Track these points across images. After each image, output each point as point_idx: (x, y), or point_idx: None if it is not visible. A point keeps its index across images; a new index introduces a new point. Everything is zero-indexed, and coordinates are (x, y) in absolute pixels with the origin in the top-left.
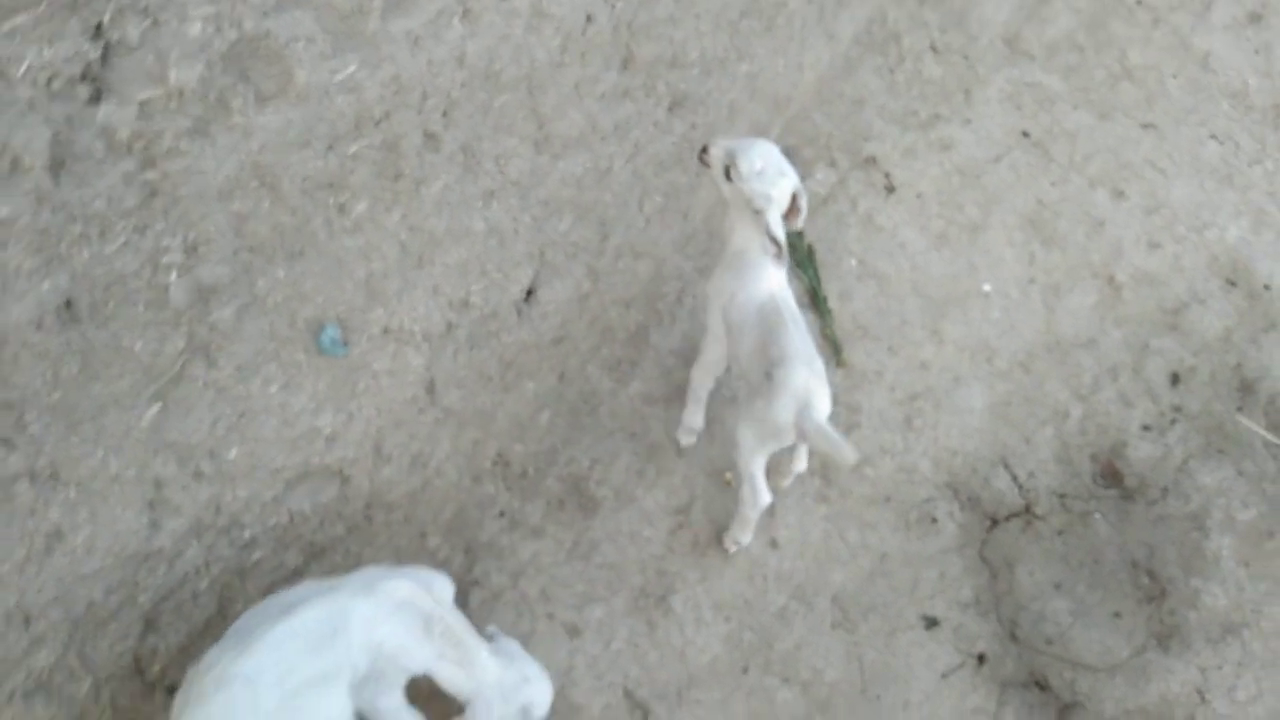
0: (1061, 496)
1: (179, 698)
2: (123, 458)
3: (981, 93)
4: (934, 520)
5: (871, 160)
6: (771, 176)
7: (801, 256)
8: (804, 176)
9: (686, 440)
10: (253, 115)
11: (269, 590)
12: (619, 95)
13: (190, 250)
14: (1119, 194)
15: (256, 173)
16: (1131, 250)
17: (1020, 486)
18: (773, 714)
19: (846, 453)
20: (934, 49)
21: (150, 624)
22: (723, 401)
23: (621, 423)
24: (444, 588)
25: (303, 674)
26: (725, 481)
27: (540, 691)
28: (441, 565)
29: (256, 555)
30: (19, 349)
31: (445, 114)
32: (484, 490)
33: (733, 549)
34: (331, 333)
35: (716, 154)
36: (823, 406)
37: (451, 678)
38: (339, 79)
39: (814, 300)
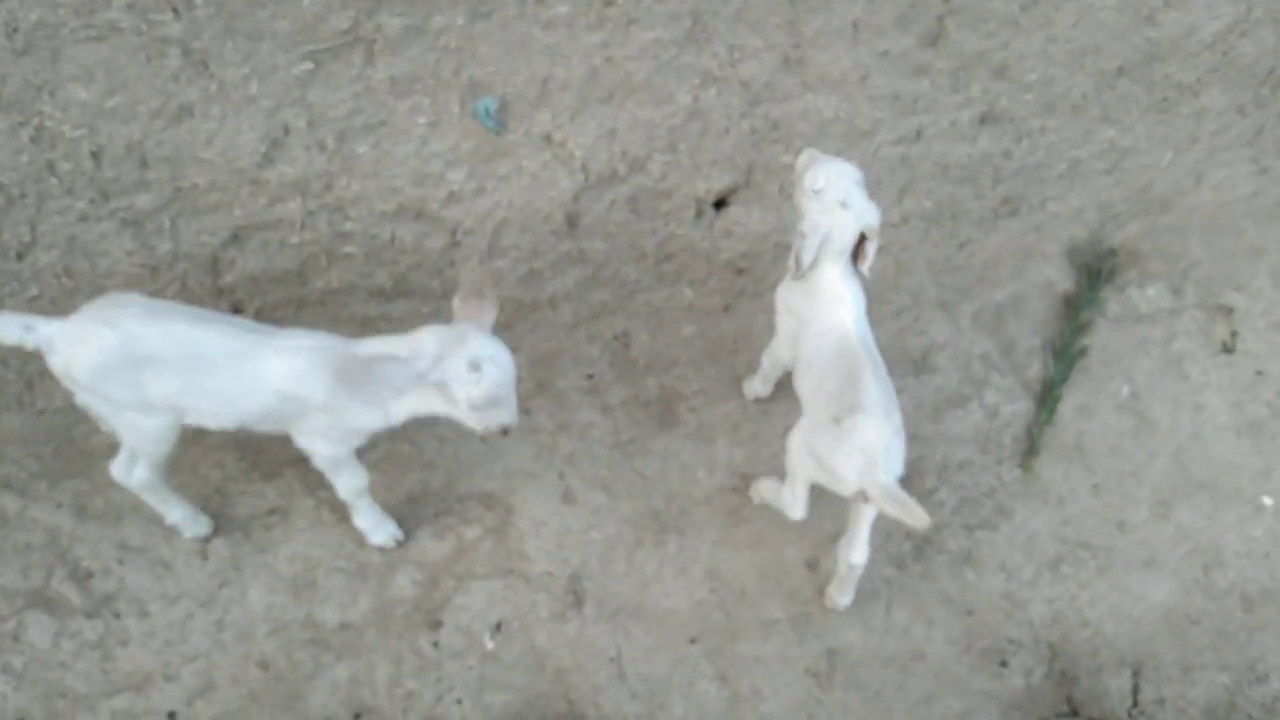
0: None
1: (88, 306)
2: (264, 87)
3: None
4: (1004, 664)
5: (1227, 311)
6: (828, 202)
7: (1065, 349)
8: (1129, 286)
9: (750, 392)
10: None
11: (352, 285)
12: (911, 68)
13: None
14: None
15: None
16: None
17: (1137, 703)
18: (688, 695)
19: (918, 515)
20: None
21: (236, 238)
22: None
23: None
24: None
25: (154, 364)
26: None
27: (482, 346)
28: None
29: (349, 249)
30: None
31: None
32: (589, 349)
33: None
34: (490, 104)
35: (802, 159)
36: (893, 466)
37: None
38: None
39: (1044, 394)
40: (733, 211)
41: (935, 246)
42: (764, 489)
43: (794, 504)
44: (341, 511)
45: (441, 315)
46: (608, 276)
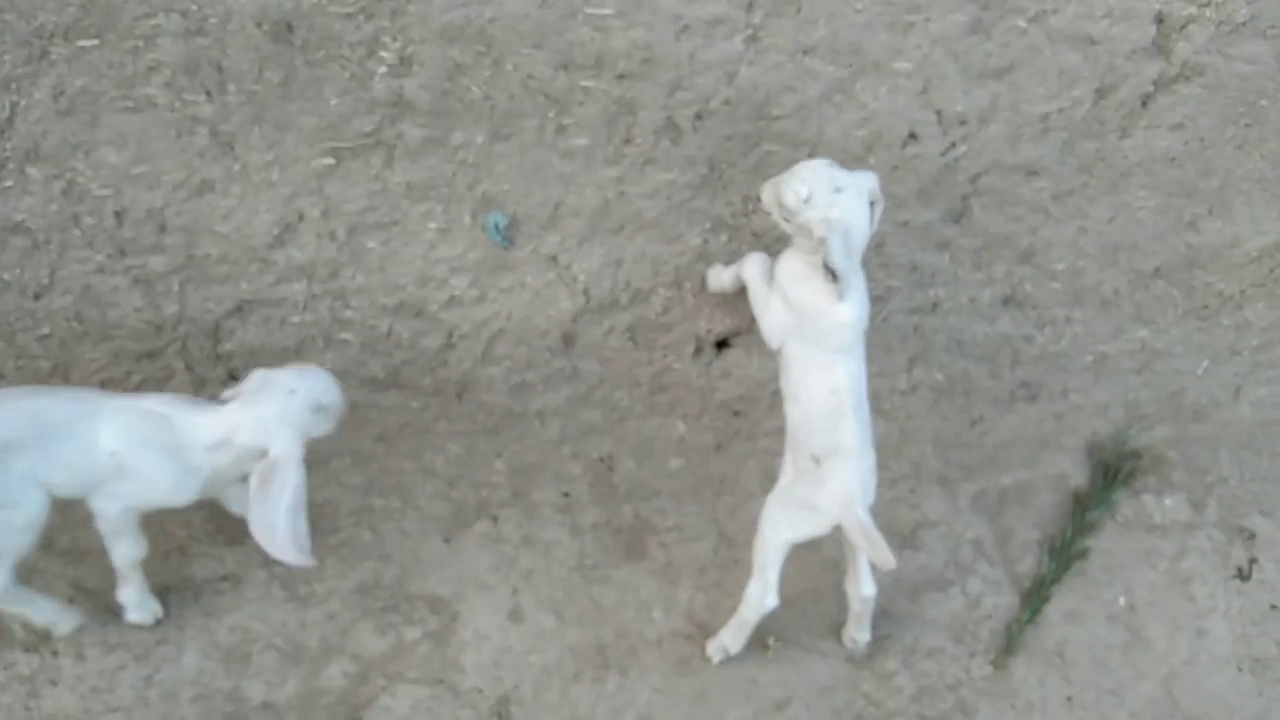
0: None
1: None
2: (285, 175)
3: None
4: None
5: (1248, 535)
6: (823, 198)
7: (1065, 546)
8: (1146, 492)
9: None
10: None
11: (345, 371)
12: (933, 241)
13: (405, 61)
14: None
15: (482, 38)
16: None
17: None
18: None
19: (886, 556)
20: None
21: (240, 310)
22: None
23: (734, 524)
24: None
25: (13, 447)
26: (764, 645)
27: (317, 383)
28: (485, 485)
29: (346, 336)
30: (239, 31)
31: (698, 117)
32: (570, 467)
33: (717, 657)
34: (499, 220)
35: (768, 197)
36: (867, 499)
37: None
38: (590, 9)
39: (1031, 592)
40: (733, 354)
41: (944, 419)
42: (723, 635)
43: (766, 590)
44: (291, 589)
45: (429, 410)
46: (599, 399)
